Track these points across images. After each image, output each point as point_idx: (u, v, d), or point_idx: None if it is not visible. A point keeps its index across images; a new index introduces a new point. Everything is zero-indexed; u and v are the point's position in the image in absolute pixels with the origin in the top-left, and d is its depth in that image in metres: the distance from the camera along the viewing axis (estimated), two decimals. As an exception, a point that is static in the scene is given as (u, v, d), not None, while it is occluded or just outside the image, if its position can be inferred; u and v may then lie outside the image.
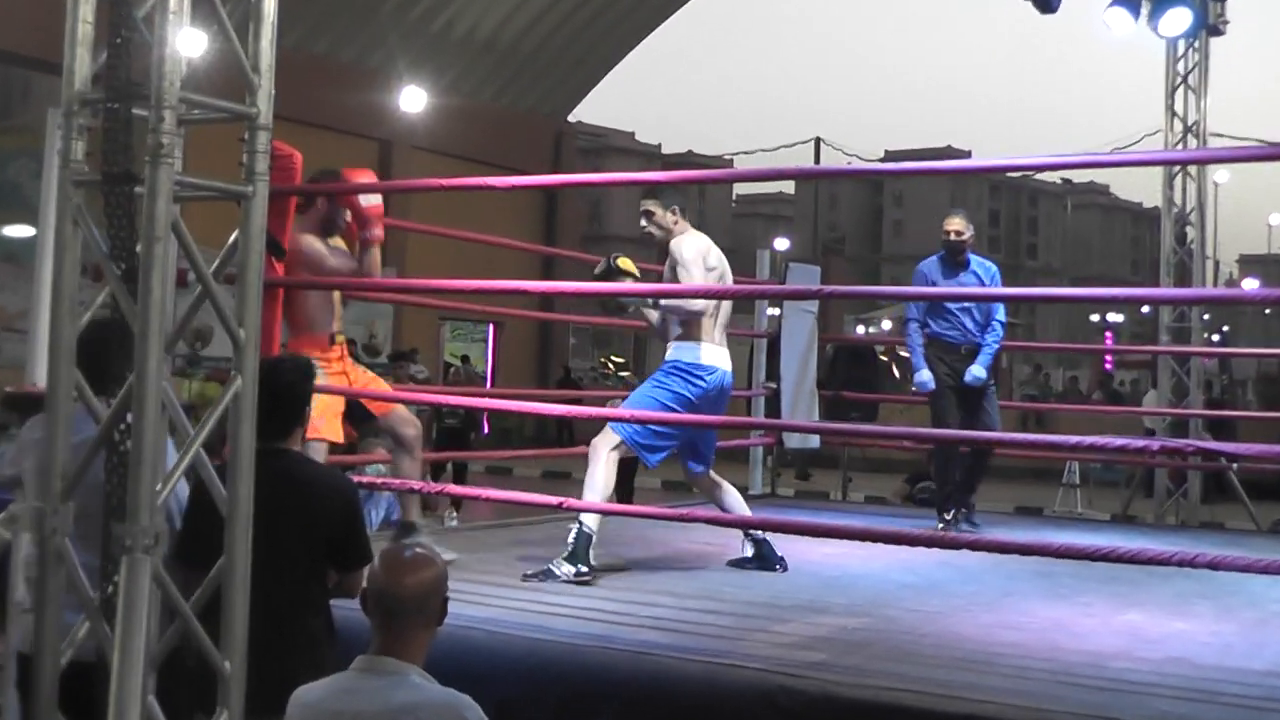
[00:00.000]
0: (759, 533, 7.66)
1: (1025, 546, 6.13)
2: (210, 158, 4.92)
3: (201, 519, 4.43)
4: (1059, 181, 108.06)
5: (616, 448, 7.41)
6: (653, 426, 7.33)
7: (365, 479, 8.17)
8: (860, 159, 44.22)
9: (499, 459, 21.13)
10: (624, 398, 8.54)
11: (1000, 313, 9.79)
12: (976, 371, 9.54)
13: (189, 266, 3.85)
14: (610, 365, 48.37)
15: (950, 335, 9.70)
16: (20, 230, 17.71)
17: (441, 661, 3.79)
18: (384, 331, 24.78)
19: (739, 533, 8.01)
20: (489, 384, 28.42)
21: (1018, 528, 10.45)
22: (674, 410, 7.37)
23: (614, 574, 7.24)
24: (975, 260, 9.84)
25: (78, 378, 3.88)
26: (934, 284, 9.81)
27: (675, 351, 7.55)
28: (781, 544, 7.99)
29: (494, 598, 6.18)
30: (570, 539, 7.04)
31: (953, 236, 9.81)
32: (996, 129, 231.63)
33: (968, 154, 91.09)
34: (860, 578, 7.50)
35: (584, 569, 6.98)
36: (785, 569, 7.60)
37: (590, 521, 7.10)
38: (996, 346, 9.71)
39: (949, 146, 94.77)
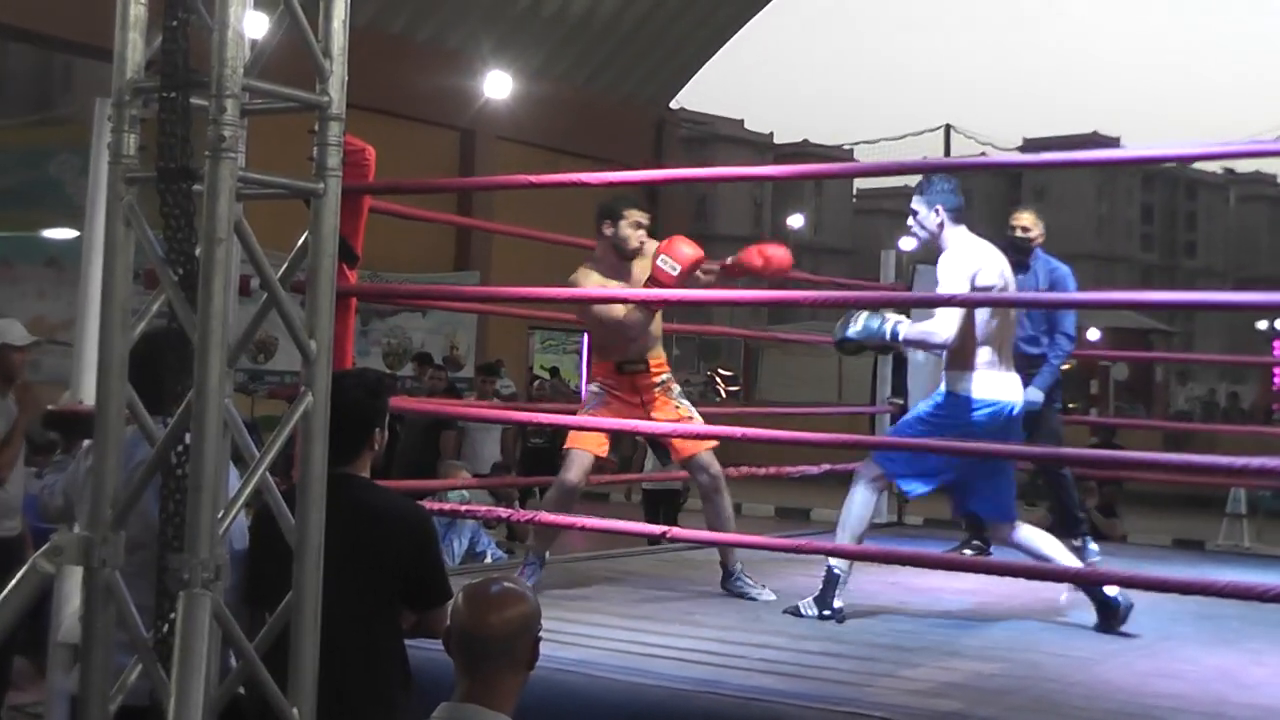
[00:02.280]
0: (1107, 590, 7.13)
1: (1185, 584, 6.05)
2: (277, 152, 4.96)
3: (260, 552, 4.46)
4: (1221, 171, 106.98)
5: (875, 479, 7.34)
6: (916, 459, 7.26)
7: (447, 506, 8.20)
8: (995, 148, 43.99)
9: (593, 484, 21.06)
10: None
11: (1067, 324, 9.41)
12: (1031, 396, 8.80)
13: (253, 272, 3.86)
14: (719, 379, 48.35)
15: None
16: (63, 233, 17.91)
17: (534, 709, 3.78)
18: (467, 343, 24.91)
19: (866, 566, 7.94)
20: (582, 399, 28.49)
21: (1176, 563, 10.34)
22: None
23: (723, 612, 7.23)
24: (1044, 261, 9.59)
25: (130, 395, 3.90)
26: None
27: (945, 382, 7.36)
28: (908, 578, 7.96)
29: (591, 638, 6.19)
30: (822, 580, 7.12)
31: (1019, 233, 9.56)
32: (1149, 113, 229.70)
33: (1116, 141, 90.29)
34: (998, 618, 7.44)
35: (828, 612, 7.06)
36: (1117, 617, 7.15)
37: (839, 563, 7.11)
38: (1058, 364, 9.45)
39: (1095, 133, 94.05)
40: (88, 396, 5.36)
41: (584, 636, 6.17)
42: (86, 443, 4.64)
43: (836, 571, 7.13)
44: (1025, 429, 8.54)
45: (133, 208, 3.89)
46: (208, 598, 3.51)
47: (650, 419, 7.81)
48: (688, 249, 7.55)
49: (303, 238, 3.94)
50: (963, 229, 7.43)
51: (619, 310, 7.67)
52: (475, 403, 14.51)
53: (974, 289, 7.16)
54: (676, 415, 7.84)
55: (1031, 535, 7.28)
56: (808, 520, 21.21)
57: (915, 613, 7.50)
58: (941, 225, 7.41)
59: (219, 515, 3.57)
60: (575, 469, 7.76)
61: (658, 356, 8.00)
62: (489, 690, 3.59)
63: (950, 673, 6.01)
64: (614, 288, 7.77)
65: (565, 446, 7.95)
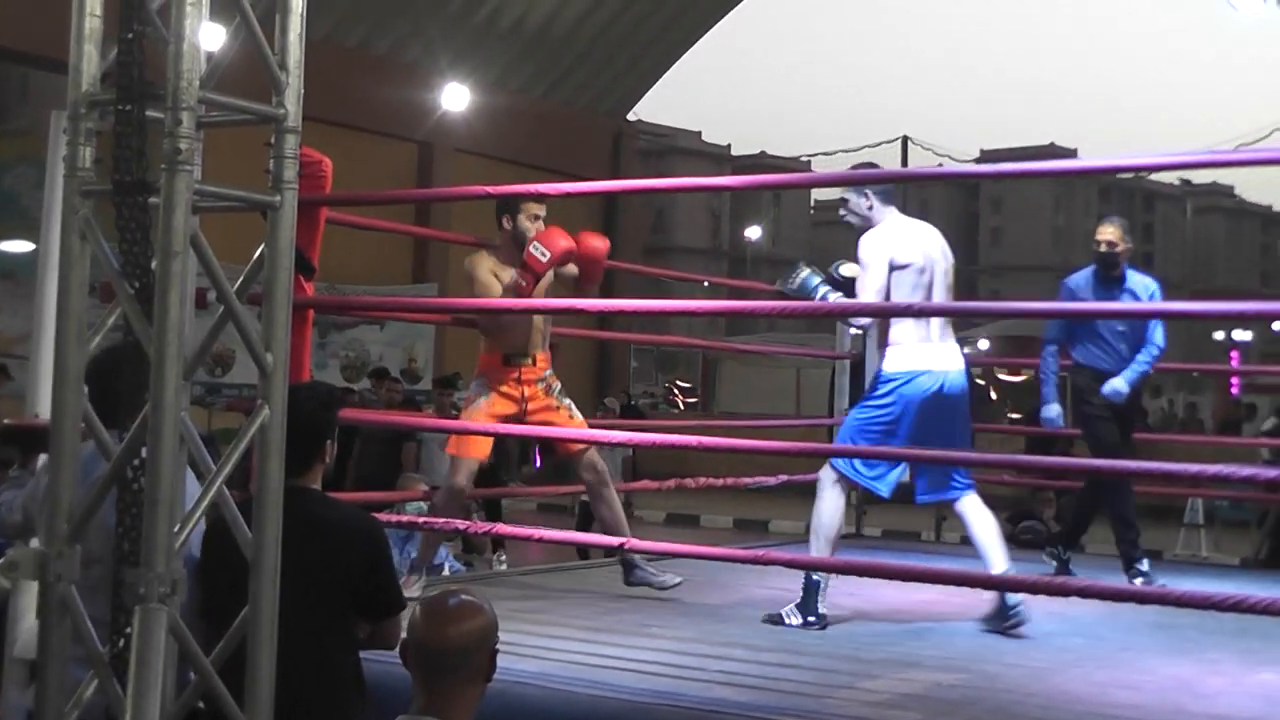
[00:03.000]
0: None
1: (1143, 594, 6.10)
2: (233, 165, 4.95)
3: (214, 564, 4.45)
4: (1178, 183, 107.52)
5: (838, 482, 7.54)
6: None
7: (405, 518, 8.19)
8: (953, 160, 43.99)
9: (550, 495, 20.92)
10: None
11: (1158, 333, 9.34)
12: (1116, 384, 9.18)
13: (209, 285, 3.86)
14: (677, 391, 48.36)
15: (1102, 363, 9.34)
16: (19, 245, 17.86)
17: (491, 722, 3.79)
18: (425, 355, 24.89)
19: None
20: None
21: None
22: (871, 435, 7.44)
23: (681, 624, 7.23)
24: (1133, 276, 9.49)
25: (86, 408, 3.89)
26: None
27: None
28: (868, 589, 7.98)
29: (549, 650, 6.18)
30: (802, 587, 7.29)
31: (1103, 248, 9.47)
32: (1105, 125, 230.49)
33: (1073, 153, 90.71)
34: (957, 629, 7.45)
35: (813, 619, 7.21)
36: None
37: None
38: (1147, 366, 9.34)
39: (1052, 145, 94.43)
40: (44, 410, 5.33)
41: (542, 649, 6.16)
42: (44, 457, 4.62)
43: (816, 578, 7.24)
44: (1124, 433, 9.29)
45: (88, 221, 3.89)
46: (164, 612, 3.50)
47: (527, 416, 7.98)
48: (562, 241, 7.80)
49: (259, 250, 3.94)
50: (892, 210, 7.69)
51: (496, 289, 7.88)
52: (434, 415, 14.49)
53: (892, 268, 7.41)
54: (557, 414, 8.05)
55: (974, 515, 7.55)
56: (766, 532, 21.22)
57: (875, 624, 7.52)
58: (871, 207, 7.66)
59: (175, 529, 3.56)
60: (463, 473, 7.95)
61: (544, 353, 8.16)
62: (446, 703, 3.59)
63: (909, 684, 6.02)
64: (506, 276, 7.91)
65: (450, 451, 8.17)
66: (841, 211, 7.86)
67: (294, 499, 4.35)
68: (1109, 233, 9.50)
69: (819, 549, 7.44)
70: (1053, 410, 9.40)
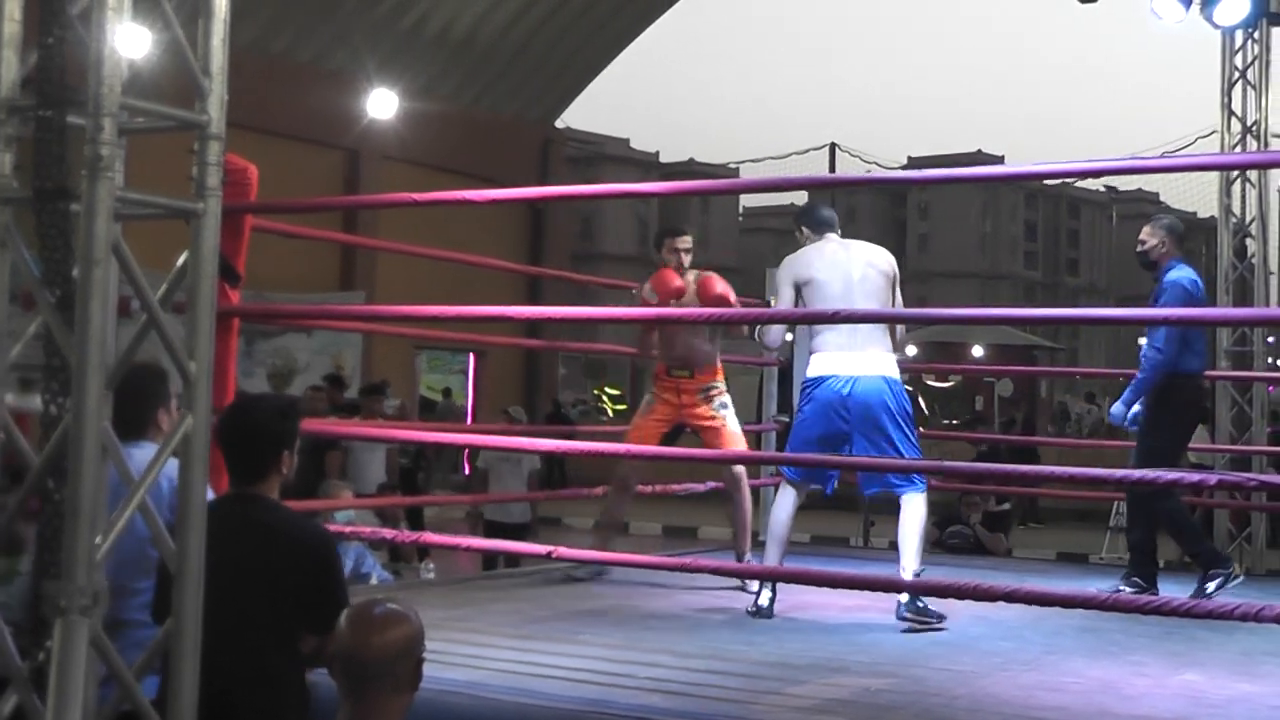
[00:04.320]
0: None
1: (1069, 598, 6.11)
2: (156, 171, 4.91)
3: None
4: (1103, 190, 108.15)
5: (785, 484, 8.19)
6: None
7: (332, 527, 8.15)
8: (880, 167, 44.18)
9: (480, 503, 20.83)
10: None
11: (1155, 337, 9.16)
12: (1114, 409, 9.30)
13: (132, 293, 3.83)
14: (606, 398, 48.38)
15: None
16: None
17: (418, 732, 3.77)
18: (353, 363, 24.78)
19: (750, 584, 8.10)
20: (470, 419, 28.42)
21: (1060, 577, 10.44)
22: (799, 438, 8.01)
23: (610, 631, 7.23)
24: (1170, 274, 9.20)
25: (6, 418, 3.86)
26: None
27: None
28: (796, 596, 7.99)
29: (477, 659, 6.16)
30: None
31: (1137, 248, 9.49)
32: (1032, 132, 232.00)
33: (1000, 160, 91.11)
34: (884, 634, 7.47)
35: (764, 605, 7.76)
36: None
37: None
38: (1140, 378, 9.17)
39: (979, 152, 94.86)
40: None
41: (470, 657, 6.14)
42: None
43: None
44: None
45: (8, 228, 3.85)
46: (85, 625, 3.47)
47: (687, 423, 9.08)
48: (674, 283, 9.07)
49: (182, 258, 3.91)
50: (825, 236, 8.32)
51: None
52: (362, 422, 14.42)
53: (799, 286, 8.04)
54: (711, 423, 9.01)
55: (905, 513, 7.86)
56: (695, 538, 21.23)
57: (802, 629, 7.53)
58: (806, 239, 8.39)
59: (97, 541, 3.52)
60: (626, 467, 9.34)
61: (707, 367, 9.16)
62: (373, 713, 3.58)
63: (836, 689, 6.04)
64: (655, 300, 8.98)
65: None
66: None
67: (247, 507, 4.36)
68: (1141, 233, 9.51)
69: (772, 550, 7.95)
70: (1116, 408, 9.40)
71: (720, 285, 9.12)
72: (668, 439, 9.14)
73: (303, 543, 4.62)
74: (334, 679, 3.64)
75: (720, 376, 9.22)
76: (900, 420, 7.87)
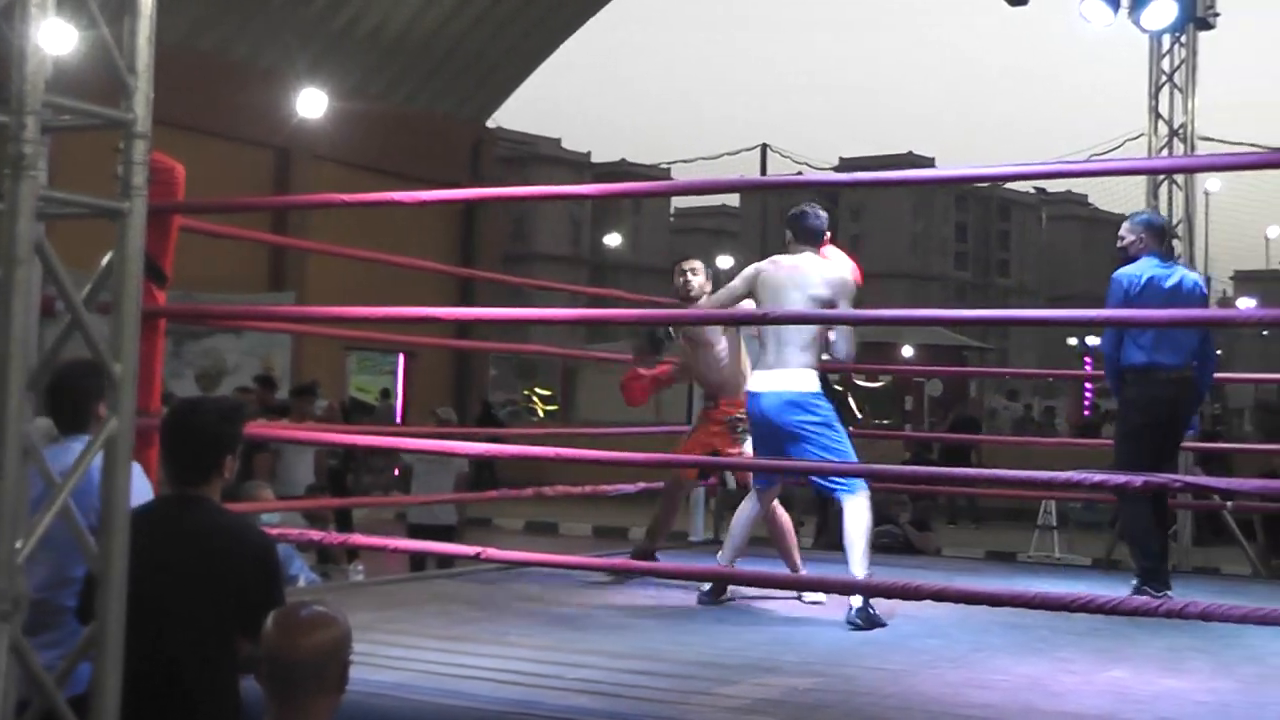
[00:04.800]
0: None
1: (996, 596, 6.14)
2: (80, 170, 4.88)
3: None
4: (1033, 192, 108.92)
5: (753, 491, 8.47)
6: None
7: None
8: (811, 168, 44.36)
9: (403, 505, 20.70)
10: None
11: (1102, 337, 9.40)
12: None
13: (55, 293, 3.80)
14: (536, 399, 48.33)
15: None
16: None
17: (347, 734, 3.76)
18: (283, 364, 24.66)
19: (682, 584, 8.11)
20: (399, 420, 28.32)
21: (988, 575, 10.50)
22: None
23: (539, 632, 7.22)
24: (1119, 270, 9.33)
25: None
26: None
27: None
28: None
29: (405, 661, 6.14)
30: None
31: (1117, 243, 9.45)
32: (963, 134, 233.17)
33: (931, 162, 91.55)
34: (815, 633, 7.49)
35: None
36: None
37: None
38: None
39: (910, 154, 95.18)
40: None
41: (398, 659, 6.12)
42: None
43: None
44: None
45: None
46: (4, 630, 3.44)
47: (718, 447, 9.07)
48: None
49: (107, 258, 3.88)
50: (799, 251, 8.32)
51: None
52: (293, 424, 14.35)
53: (734, 298, 8.35)
54: (731, 447, 9.04)
55: (848, 516, 7.90)
56: (625, 539, 21.22)
57: (734, 629, 7.54)
58: (789, 244, 8.41)
59: (18, 545, 3.49)
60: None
61: (731, 399, 9.10)
62: (299, 716, 3.56)
63: (767, 689, 6.04)
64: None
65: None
66: None
67: (188, 510, 4.33)
68: (1120, 230, 9.49)
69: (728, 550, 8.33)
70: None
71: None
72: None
73: (246, 547, 4.59)
74: (260, 682, 3.62)
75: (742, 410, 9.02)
76: (811, 432, 7.96)
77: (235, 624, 4.47)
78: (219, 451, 4.65)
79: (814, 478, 8.22)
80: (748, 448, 8.83)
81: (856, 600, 7.58)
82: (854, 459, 8.15)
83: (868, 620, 7.52)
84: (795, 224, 8.37)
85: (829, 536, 9.74)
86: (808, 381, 8.02)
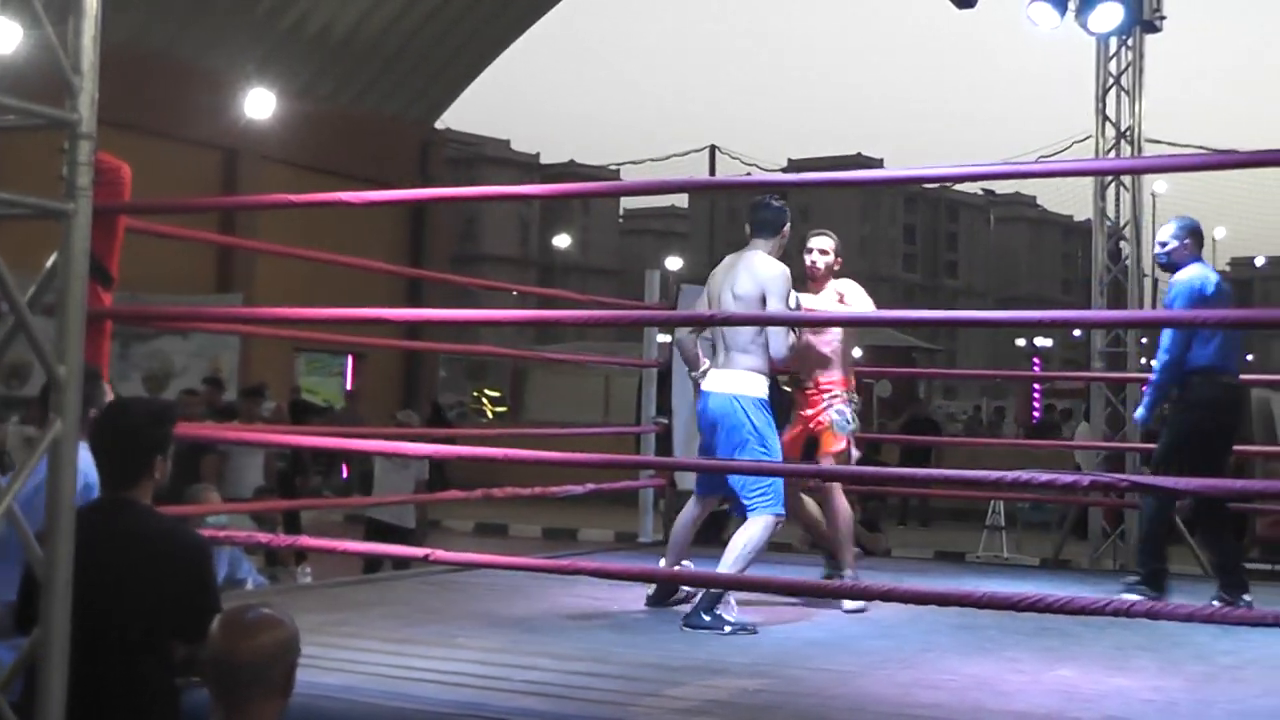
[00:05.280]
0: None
1: (945, 596, 6.16)
2: (25, 171, 4.86)
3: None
4: (981, 193, 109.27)
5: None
6: None
7: (205, 532, 8.07)
8: (760, 169, 44.56)
9: (352, 506, 20.52)
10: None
11: (1165, 338, 8.94)
12: (1136, 414, 9.26)
13: (0, 294, 3.77)
14: (486, 400, 48.26)
15: None
16: None
17: (295, 737, 3.74)
18: (230, 365, 24.53)
19: (631, 585, 8.11)
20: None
21: (937, 575, 10.53)
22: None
23: (487, 634, 7.21)
24: (1179, 274, 8.93)
25: None
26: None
27: None
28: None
29: (353, 663, 6.12)
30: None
31: (1155, 249, 9.17)
32: (911, 136, 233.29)
33: (880, 163, 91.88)
34: (763, 634, 7.50)
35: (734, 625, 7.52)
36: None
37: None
38: (1155, 380, 9.01)
39: (859, 155, 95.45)
40: None
41: (346, 661, 6.10)
42: None
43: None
44: None
45: None
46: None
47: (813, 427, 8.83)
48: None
49: (52, 259, 3.86)
50: (749, 243, 8.34)
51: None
52: (241, 426, 14.29)
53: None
54: (823, 431, 8.80)
55: (745, 527, 7.90)
56: (575, 540, 21.22)
57: (683, 631, 7.54)
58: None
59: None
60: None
61: (824, 377, 8.89)
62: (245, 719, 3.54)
63: (714, 690, 6.05)
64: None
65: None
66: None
67: (120, 513, 4.29)
68: (1159, 235, 9.13)
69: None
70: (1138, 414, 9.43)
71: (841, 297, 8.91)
72: (806, 449, 8.93)
73: (178, 549, 4.56)
74: (206, 685, 3.61)
75: (844, 385, 8.90)
76: (746, 436, 7.93)
77: (169, 627, 4.44)
78: (149, 453, 4.60)
79: (734, 489, 8.09)
80: (834, 428, 8.78)
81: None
82: (773, 475, 7.99)
83: (708, 624, 7.45)
84: (751, 215, 8.36)
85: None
86: (748, 385, 8.00)
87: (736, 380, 8.01)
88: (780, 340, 8.05)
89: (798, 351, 8.42)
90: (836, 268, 8.97)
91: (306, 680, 3.76)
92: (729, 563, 7.71)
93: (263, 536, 7.95)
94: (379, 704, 5.48)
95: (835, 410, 8.78)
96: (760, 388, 8.03)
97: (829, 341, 8.82)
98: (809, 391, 8.88)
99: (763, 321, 8.00)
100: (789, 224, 8.38)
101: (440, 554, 7.10)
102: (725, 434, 7.98)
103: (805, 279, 8.83)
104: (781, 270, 8.05)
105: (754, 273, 8.05)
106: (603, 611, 8.03)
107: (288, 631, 3.66)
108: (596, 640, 7.18)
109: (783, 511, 7.94)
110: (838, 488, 8.77)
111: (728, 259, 8.36)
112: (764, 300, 7.98)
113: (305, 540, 8.34)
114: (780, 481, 7.97)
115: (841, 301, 8.83)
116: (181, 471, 13.06)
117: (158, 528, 4.60)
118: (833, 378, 8.86)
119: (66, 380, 3.80)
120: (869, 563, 10.95)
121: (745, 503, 7.93)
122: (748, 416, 7.94)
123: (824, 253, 8.93)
